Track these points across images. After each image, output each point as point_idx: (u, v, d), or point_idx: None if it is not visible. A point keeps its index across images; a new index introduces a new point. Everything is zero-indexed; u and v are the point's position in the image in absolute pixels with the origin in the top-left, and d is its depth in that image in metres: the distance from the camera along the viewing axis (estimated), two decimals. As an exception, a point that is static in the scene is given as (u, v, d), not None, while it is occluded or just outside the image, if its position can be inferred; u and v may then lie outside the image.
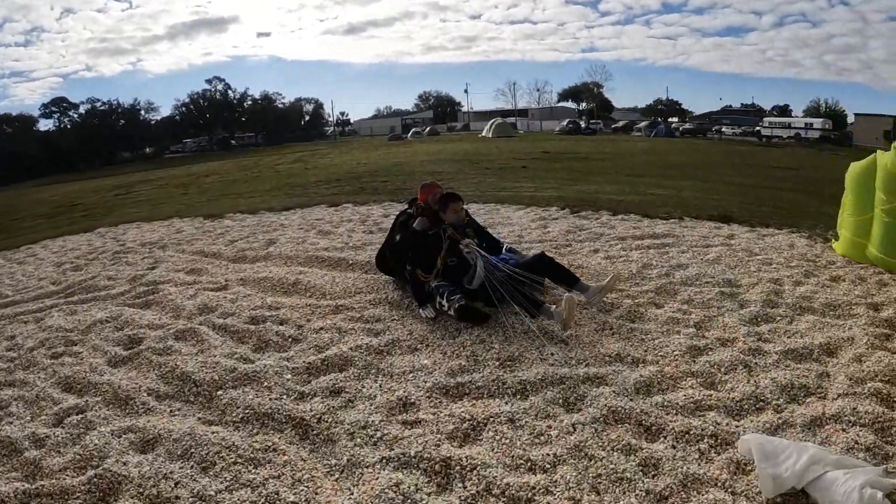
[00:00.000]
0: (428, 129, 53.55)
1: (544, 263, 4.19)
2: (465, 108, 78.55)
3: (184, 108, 62.63)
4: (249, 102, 65.73)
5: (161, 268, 5.99)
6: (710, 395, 2.92)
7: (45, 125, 57.37)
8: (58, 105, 58.27)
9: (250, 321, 4.24)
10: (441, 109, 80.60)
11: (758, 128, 45.07)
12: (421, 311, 4.10)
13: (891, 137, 36.98)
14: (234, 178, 18.33)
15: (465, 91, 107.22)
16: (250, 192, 13.28)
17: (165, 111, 63.38)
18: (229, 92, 64.63)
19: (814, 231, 6.47)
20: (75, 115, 58.25)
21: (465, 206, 4.52)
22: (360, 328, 3.98)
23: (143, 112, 60.49)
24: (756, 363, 3.24)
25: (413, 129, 52.59)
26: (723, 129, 45.68)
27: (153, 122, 61.30)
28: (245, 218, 8.87)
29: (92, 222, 10.81)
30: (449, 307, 3.90)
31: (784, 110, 62.11)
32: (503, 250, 4.64)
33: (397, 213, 5.12)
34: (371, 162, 19.29)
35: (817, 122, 43.63)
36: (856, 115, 42.35)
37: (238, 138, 62.64)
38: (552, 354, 3.42)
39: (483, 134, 39.27)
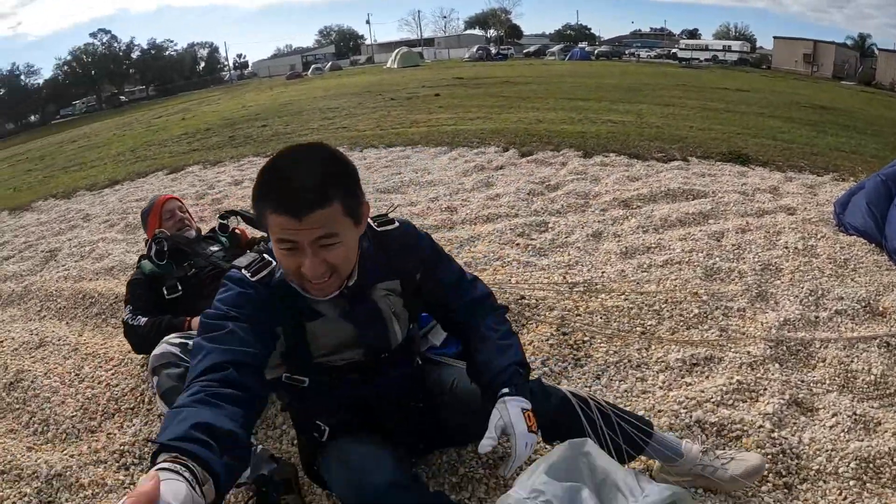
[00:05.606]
0: (329, 64, 48.67)
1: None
2: (368, 41, 73.29)
3: (66, 67, 53.52)
4: (137, 53, 57.12)
5: None
6: None
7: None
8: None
9: None
10: (343, 44, 75.24)
11: (674, 50, 43.63)
12: None
13: (811, 61, 36.74)
14: (96, 143, 14.40)
15: (368, 23, 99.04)
16: (95, 161, 10.07)
17: (49, 73, 54.45)
18: (115, 44, 55.90)
19: (857, 176, 4.23)
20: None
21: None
22: None
23: (23, 77, 51.24)
24: None
25: (314, 66, 47.50)
26: (639, 53, 43.97)
27: (36, 87, 52.18)
28: (52, 206, 6.16)
29: None
30: None
31: (693, 34, 61.34)
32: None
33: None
34: (259, 103, 16.33)
35: (736, 45, 42.71)
36: (774, 38, 41.36)
37: (129, 93, 54.65)
38: None
39: (388, 65, 35.55)
